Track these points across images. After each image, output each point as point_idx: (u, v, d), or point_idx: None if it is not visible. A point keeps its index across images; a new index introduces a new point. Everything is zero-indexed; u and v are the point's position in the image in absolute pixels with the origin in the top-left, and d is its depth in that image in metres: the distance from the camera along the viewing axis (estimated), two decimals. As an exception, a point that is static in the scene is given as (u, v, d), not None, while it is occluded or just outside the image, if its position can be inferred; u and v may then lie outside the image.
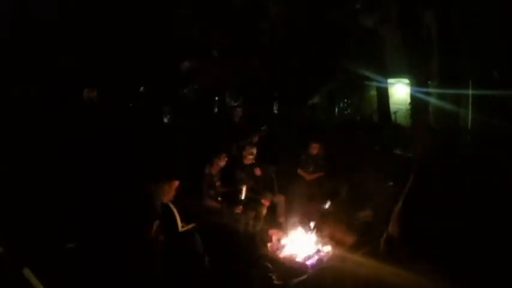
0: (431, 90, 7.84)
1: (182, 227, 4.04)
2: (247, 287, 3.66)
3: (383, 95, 9.34)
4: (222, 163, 5.65)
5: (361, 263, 1.96)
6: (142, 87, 9.43)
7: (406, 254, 1.57)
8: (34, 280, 2.60)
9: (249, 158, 6.04)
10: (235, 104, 10.05)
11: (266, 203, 5.82)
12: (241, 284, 3.65)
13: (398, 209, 1.69)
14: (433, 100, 7.95)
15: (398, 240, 1.58)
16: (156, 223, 3.61)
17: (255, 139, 7.03)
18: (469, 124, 7.72)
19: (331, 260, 4.25)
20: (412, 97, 8.44)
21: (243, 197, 5.57)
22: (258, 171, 6.03)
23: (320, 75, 9.88)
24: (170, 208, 4.02)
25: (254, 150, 6.06)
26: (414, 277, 1.50)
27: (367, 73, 9.29)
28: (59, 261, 3.46)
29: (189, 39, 9.02)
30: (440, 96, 7.83)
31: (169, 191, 3.96)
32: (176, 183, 4.03)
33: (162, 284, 3.26)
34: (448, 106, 7.69)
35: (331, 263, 4.14)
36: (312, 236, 4.79)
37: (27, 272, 2.63)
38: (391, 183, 6.54)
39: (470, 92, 7.46)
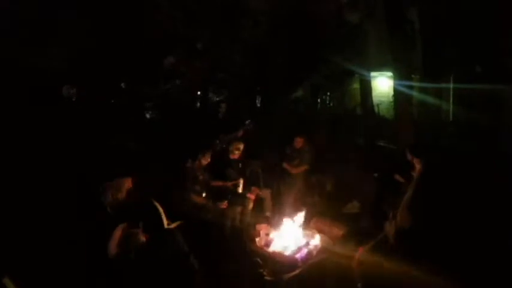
0: (414, 83, 7.93)
1: (168, 224, 3.94)
2: (237, 284, 3.60)
3: (366, 88, 9.38)
4: (205, 162, 5.59)
5: (362, 257, 1.92)
6: (123, 84, 9.21)
7: (415, 249, 1.52)
8: None
9: (236, 153, 5.98)
10: (217, 99, 9.94)
11: (252, 196, 5.79)
12: (232, 280, 3.58)
13: (407, 201, 1.63)
14: (415, 93, 8.04)
15: (409, 233, 1.53)
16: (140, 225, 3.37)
17: (240, 134, 6.97)
18: (451, 116, 7.83)
19: (321, 253, 4.23)
20: (395, 90, 8.52)
21: (240, 190, 5.55)
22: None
23: (303, 69, 9.86)
24: (155, 206, 3.90)
25: (241, 146, 6.01)
26: (417, 273, 1.45)
27: (350, 66, 9.32)
28: (39, 268, 3.31)
29: (172, 33, 8.86)
30: (423, 90, 7.92)
31: (121, 189, 3.67)
32: (127, 180, 3.75)
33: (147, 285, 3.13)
34: (430, 99, 7.79)
35: (322, 256, 4.12)
36: (300, 229, 4.75)
37: (7, 282, 2.52)
38: (376, 175, 6.60)
39: (451, 85, 7.57)
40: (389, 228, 1.59)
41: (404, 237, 1.52)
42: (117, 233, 3.15)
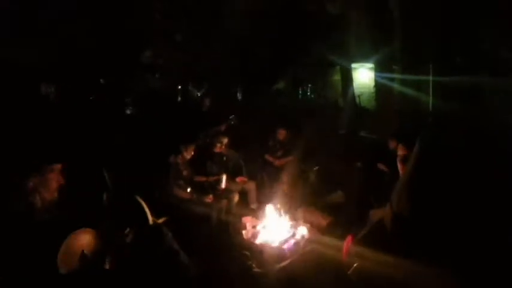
0: (395, 75, 8.02)
1: (153, 221, 3.86)
2: (226, 277, 3.57)
3: (347, 79, 9.45)
4: (189, 155, 5.55)
5: (350, 245, 1.91)
6: (102, 79, 8.95)
7: (414, 237, 1.50)
8: None
9: (218, 146, 5.96)
10: (198, 94, 9.82)
11: (239, 180, 6.00)
12: (220, 274, 3.56)
13: (404, 184, 1.60)
14: (396, 84, 8.14)
15: (407, 221, 1.50)
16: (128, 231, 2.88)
17: (223, 128, 6.94)
18: (430, 107, 7.95)
19: (308, 244, 4.26)
20: (377, 81, 8.61)
21: (223, 185, 5.52)
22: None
23: (284, 60, 9.84)
24: (138, 202, 3.81)
25: (225, 140, 6.00)
26: (412, 263, 1.44)
27: (331, 57, 9.36)
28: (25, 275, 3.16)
29: (150, 24, 8.70)
30: (402, 81, 8.02)
31: (46, 184, 2.98)
32: (53, 176, 3.06)
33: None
34: (409, 91, 7.91)
35: (310, 247, 4.14)
36: (286, 221, 4.77)
37: None
38: (358, 164, 6.67)
39: (431, 78, 7.66)
40: (386, 214, 1.57)
41: (401, 224, 1.50)
42: (81, 239, 2.51)
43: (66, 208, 2.99)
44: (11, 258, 2.52)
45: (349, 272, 1.95)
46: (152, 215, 3.81)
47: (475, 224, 1.44)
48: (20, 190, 2.84)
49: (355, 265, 1.80)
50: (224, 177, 5.61)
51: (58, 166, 3.04)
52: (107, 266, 2.62)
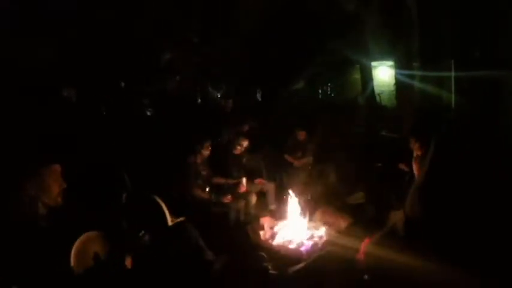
0: (415, 72, 7.85)
1: (172, 221, 3.89)
2: (242, 279, 3.56)
3: (367, 78, 9.33)
4: (206, 152, 5.55)
5: (368, 248, 1.86)
6: (123, 83, 9.11)
7: (427, 240, 1.46)
8: None
9: (238, 149, 5.95)
10: (219, 96, 9.85)
11: (258, 182, 5.95)
12: (236, 275, 3.55)
13: (417, 188, 1.56)
14: (416, 82, 7.96)
15: (420, 224, 1.46)
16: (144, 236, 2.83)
17: (245, 128, 6.93)
18: (453, 103, 7.75)
19: (326, 245, 4.20)
20: (397, 79, 8.46)
21: (244, 189, 5.52)
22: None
23: (302, 60, 9.78)
24: (157, 202, 3.84)
25: (246, 143, 5.98)
26: (427, 266, 1.39)
27: (350, 56, 9.25)
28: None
29: (167, 28, 8.81)
30: (424, 78, 7.84)
31: (47, 189, 2.57)
32: (49, 180, 2.61)
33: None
34: (430, 87, 7.72)
35: (328, 249, 4.09)
36: (305, 222, 4.73)
37: None
38: (379, 164, 6.56)
39: (452, 73, 7.47)
40: (398, 218, 1.52)
41: (414, 228, 1.45)
42: (91, 241, 2.43)
43: (73, 212, 2.78)
44: (18, 266, 2.45)
45: (365, 277, 1.91)
46: (171, 215, 3.84)
47: (484, 225, 1.39)
48: (21, 197, 2.54)
49: (365, 277, 1.77)
50: (244, 181, 5.60)
51: (56, 167, 2.67)
52: (127, 265, 2.62)
